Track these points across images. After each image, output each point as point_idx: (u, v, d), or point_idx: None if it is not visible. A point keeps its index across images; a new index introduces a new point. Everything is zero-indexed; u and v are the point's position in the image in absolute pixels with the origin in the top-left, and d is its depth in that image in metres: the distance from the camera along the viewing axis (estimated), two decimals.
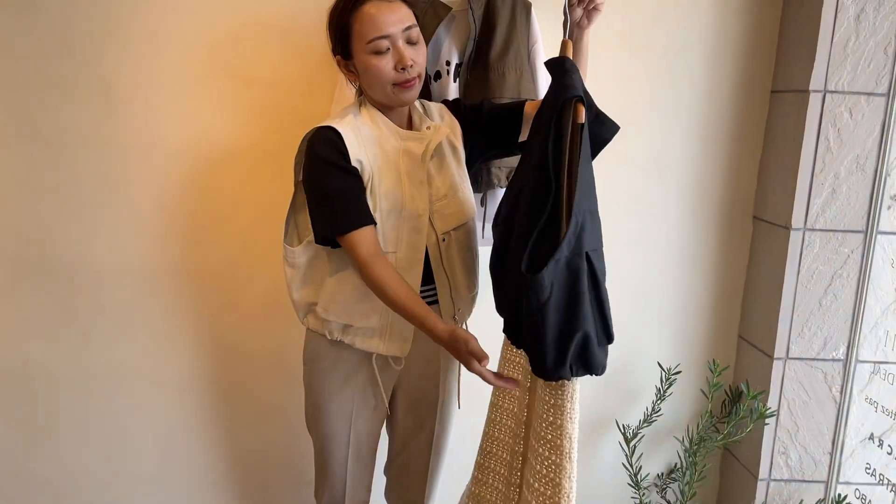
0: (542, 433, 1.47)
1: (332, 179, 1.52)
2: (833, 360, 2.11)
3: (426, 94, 1.97)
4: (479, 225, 2.04)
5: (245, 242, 2.14)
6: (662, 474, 2.35)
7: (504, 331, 1.60)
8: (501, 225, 1.60)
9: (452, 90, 1.97)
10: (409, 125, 1.69)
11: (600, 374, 1.42)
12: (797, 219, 2.02)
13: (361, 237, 1.51)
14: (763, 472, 2.17)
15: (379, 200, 1.57)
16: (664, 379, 2.19)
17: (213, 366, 2.23)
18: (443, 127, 1.67)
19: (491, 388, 1.68)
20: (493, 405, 1.71)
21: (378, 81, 1.56)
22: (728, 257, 2.25)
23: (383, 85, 1.56)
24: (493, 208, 2.04)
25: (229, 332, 2.21)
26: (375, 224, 1.55)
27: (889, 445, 2.15)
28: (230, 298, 2.18)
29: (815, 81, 1.94)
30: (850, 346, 2.09)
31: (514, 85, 1.94)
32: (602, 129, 1.57)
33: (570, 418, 1.43)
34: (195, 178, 2.10)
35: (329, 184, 1.52)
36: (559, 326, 1.38)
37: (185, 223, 2.12)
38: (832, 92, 1.94)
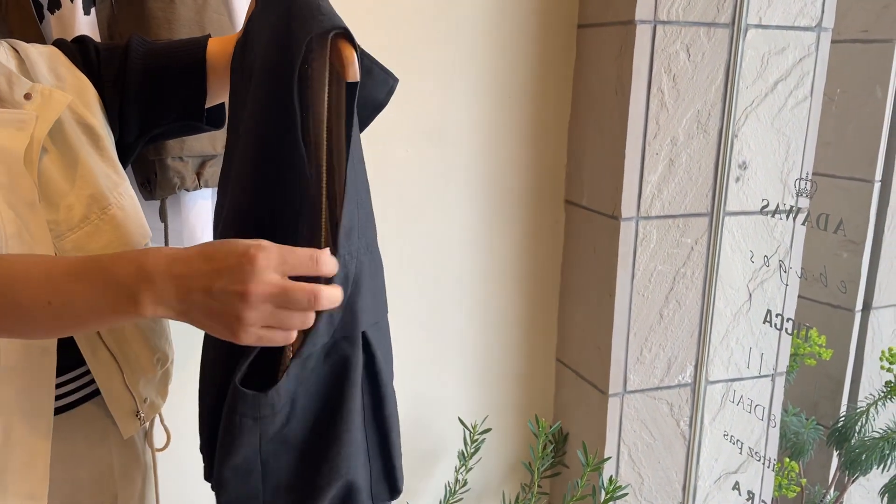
0: None
1: None
2: (679, 385, 1.59)
3: (33, 34, 1.14)
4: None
5: None
6: None
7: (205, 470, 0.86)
8: None
9: (84, 29, 1.15)
10: None
11: None
12: (627, 204, 1.45)
13: None
14: None
15: None
16: (469, 440, 1.56)
17: None
18: (57, 92, 0.88)
19: None
20: None
21: None
22: (534, 258, 1.65)
23: None
24: (179, 223, 1.26)
25: None
26: None
27: (737, 481, 1.69)
28: None
29: (642, 8, 1.36)
30: (698, 366, 1.59)
31: (191, 19, 1.18)
32: (370, 85, 0.83)
33: None
34: None
35: None
36: (299, 476, 0.68)
37: None
38: (664, 23, 1.38)
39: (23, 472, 0.85)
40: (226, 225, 0.79)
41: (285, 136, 0.71)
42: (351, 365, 0.68)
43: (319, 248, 0.67)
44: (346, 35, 0.70)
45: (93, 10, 1.16)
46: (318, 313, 0.63)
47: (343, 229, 0.67)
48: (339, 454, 0.68)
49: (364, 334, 0.69)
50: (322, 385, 0.67)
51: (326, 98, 0.72)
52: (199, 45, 0.98)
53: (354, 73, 0.69)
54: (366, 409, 0.70)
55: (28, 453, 0.85)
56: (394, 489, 0.76)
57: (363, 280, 0.69)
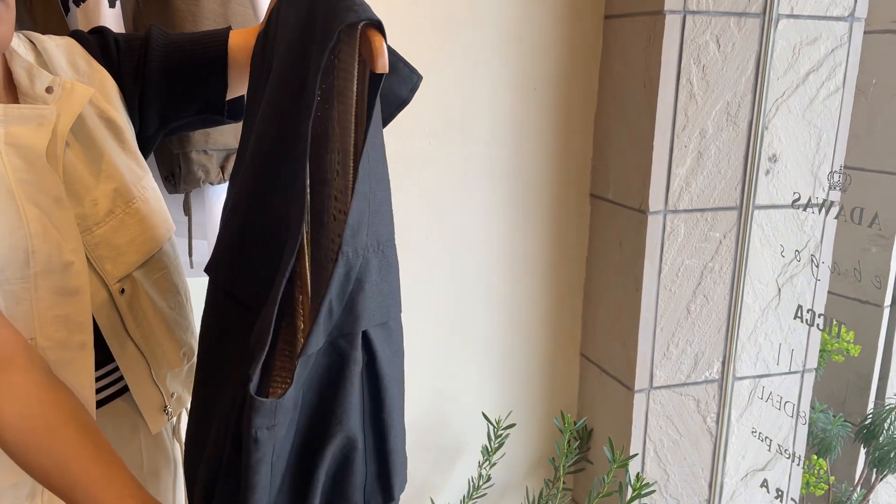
0: None
1: None
2: (706, 381, 1.57)
3: (59, 26, 1.14)
4: (182, 244, 1.25)
5: None
6: None
7: None
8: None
9: (109, 22, 1.14)
10: (11, 88, 0.86)
11: None
12: (655, 198, 1.43)
13: None
14: None
15: None
16: (492, 435, 1.55)
17: None
18: (79, 85, 0.87)
19: None
20: None
21: None
22: (559, 252, 1.63)
23: None
24: (203, 217, 1.25)
25: None
26: None
27: (765, 478, 1.67)
28: None
29: None
30: (725, 361, 1.56)
31: (216, 11, 1.17)
32: (394, 81, 0.83)
33: None
34: None
35: None
36: (292, 480, 0.66)
37: None
38: (694, 13, 1.35)
39: None
40: (233, 216, 0.78)
41: (298, 126, 0.70)
42: (347, 363, 0.66)
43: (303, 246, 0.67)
44: (377, 26, 0.68)
45: (118, 3, 1.15)
46: (317, 312, 0.62)
47: (350, 227, 0.65)
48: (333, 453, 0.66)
49: (366, 333, 0.67)
50: (318, 383, 0.65)
51: (355, 89, 0.70)
52: (220, 38, 0.96)
53: (384, 64, 0.67)
54: (366, 410, 0.68)
55: None
56: (388, 495, 0.74)
57: (369, 278, 0.67)
